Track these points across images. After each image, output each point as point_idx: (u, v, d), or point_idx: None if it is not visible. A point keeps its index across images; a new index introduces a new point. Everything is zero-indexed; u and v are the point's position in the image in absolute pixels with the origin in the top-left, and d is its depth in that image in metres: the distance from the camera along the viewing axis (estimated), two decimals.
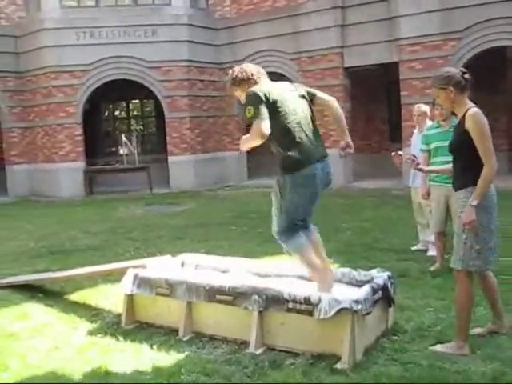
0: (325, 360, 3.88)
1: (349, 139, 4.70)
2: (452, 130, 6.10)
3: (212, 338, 4.44)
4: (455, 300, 4.20)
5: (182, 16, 16.82)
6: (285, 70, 16.67)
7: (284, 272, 5.08)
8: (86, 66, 16.34)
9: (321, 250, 4.61)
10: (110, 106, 21.01)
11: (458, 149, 4.09)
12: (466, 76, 4.11)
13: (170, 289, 4.65)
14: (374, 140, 17.70)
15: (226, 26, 17.74)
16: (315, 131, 4.47)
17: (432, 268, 6.30)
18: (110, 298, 5.63)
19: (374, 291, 4.15)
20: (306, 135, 4.34)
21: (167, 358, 4.11)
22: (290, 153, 4.23)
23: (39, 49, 16.43)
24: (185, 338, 4.48)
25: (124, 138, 17.82)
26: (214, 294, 4.40)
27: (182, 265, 5.52)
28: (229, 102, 17.77)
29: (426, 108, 7.21)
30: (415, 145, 7.16)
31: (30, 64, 16.92)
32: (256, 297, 4.17)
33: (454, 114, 6.16)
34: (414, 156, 5.22)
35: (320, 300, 3.90)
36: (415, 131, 7.45)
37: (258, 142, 4.16)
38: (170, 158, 17.06)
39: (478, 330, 4.28)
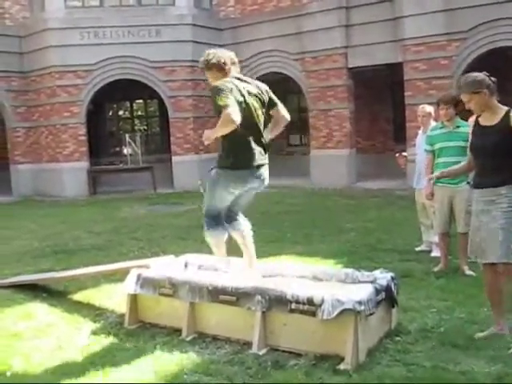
0: (328, 361, 3.87)
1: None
2: (456, 130, 6.13)
3: (215, 339, 4.44)
4: (497, 290, 4.35)
5: (185, 16, 16.83)
6: (289, 71, 16.68)
7: (287, 272, 5.06)
8: (90, 65, 16.37)
9: (249, 246, 4.92)
10: (114, 106, 21.05)
11: (496, 147, 4.17)
12: (493, 79, 4.26)
13: (173, 289, 4.66)
14: (378, 140, 17.69)
15: (229, 27, 17.73)
16: (260, 139, 4.60)
17: (436, 269, 6.29)
18: (114, 298, 5.63)
19: (377, 292, 4.15)
20: (254, 142, 4.51)
21: (170, 358, 4.11)
22: (233, 153, 4.48)
23: (43, 49, 16.45)
24: (188, 338, 4.48)
25: (128, 138, 17.86)
26: (217, 295, 4.41)
27: (186, 265, 5.51)
28: None
29: (430, 109, 7.19)
30: (419, 145, 7.15)
31: (34, 64, 16.96)
32: (259, 297, 4.17)
33: (457, 114, 6.19)
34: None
35: (323, 301, 3.90)
36: (419, 132, 7.44)
37: (227, 130, 4.27)
38: (174, 158, 17.07)
39: (481, 335, 4.26)
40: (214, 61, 4.53)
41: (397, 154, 7.27)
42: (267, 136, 4.68)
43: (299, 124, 19.21)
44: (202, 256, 5.80)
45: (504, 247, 4.15)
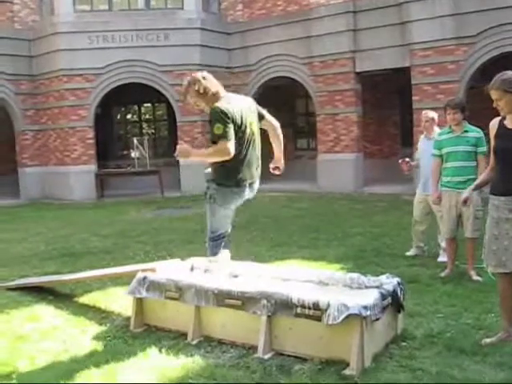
0: (333, 366, 3.86)
1: (281, 163, 5.08)
2: (464, 135, 6.11)
3: (220, 343, 4.44)
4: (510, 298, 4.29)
5: (194, 20, 16.87)
6: (296, 75, 16.69)
7: (293, 276, 5.05)
8: (98, 69, 16.44)
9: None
10: (122, 110, 21.12)
11: None
12: None
13: (179, 292, 4.66)
14: (386, 145, 17.66)
15: (238, 31, 17.77)
16: (256, 154, 4.78)
17: (442, 274, 6.27)
18: (120, 301, 5.63)
19: (384, 297, 4.13)
20: (254, 158, 4.70)
21: (176, 362, 4.11)
22: (234, 172, 4.62)
23: (52, 52, 16.55)
24: (193, 342, 4.47)
25: (136, 142, 17.90)
26: (222, 299, 4.40)
27: (192, 269, 5.51)
28: None
29: (433, 114, 7.20)
30: (424, 151, 7.15)
31: (43, 67, 17.05)
32: (265, 301, 4.16)
33: (464, 119, 6.17)
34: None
35: (329, 305, 3.88)
36: (422, 137, 7.43)
37: (219, 159, 4.47)
38: (182, 162, 17.06)
39: (487, 341, 4.23)
40: (204, 89, 4.65)
41: (400, 160, 7.27)
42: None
43: (307, 128, 19.24)
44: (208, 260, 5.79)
45: None
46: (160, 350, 4.34)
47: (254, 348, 4.20)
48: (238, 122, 4.45)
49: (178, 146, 4.51)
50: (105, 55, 16.36)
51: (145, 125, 21.43)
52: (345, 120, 16.00)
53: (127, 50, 16.48)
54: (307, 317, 3.99)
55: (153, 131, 21.43)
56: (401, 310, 4.42)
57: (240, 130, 4.47)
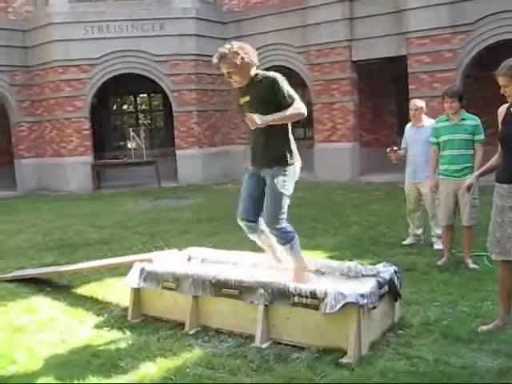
0: (330, 354, 3.88)
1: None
2: (461, 123, 6.10)
3: (218, 332, 4.45)
4: (510, 287, 4.28)
5: (189, 10, 16.80)
6: (293, 64, 16.64)
7: (290, 265, 5.05)
8: (93, 60, 16.37)
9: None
10: (118, 100, 21.03)
11: None
12: None
13: (176, 283, 4.67)
14: (382, 134, 17.64)
15: (233, 20, 17.70)
16: None
17: (439, 262, 6.28)
18: (117, 292, 5.64)
19: (381, 285, 4.15)
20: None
21: (173, 352, 4.12)
22: (289, 147, 4.63)
23: (47, 43, 16.46)
24: (191, 332, 4.49)
25: (132, 132, 17.86)
26: (220, 288, 4.41)
27: (189, 259, 5.52)
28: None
29: (422, 103, 7.23)
30: (413, 140, 7.16)
31: (38, 58, 16.97)
32: (262, 291, 4.17)
33: (462, 108, 6.16)
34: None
35: (326, 294, 3.89)
36: (409, 126, 7.42)
37: (291, 121, 4.50)
38: (178, 152, 17.08)
39: (484, 328, 4.25)
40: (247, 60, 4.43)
41: (388, 149, 7.26)
42: None
43: (303, 117, 19.18)
44: (206, 250, 5.80)
45: None
46: (158, 340, 4.36)
47: (251, 337, 4.22)
48: None
49: (251, 115, 4.19)
50: (100, 45, 16.29)
51: (141, 115, 21.35)
52: (341, 109, 15.98)
53: (122, 41, 16.40)
54: (304, 306, 4.00)
55: (149, 122, 21.37)
56: (398, 298, 4.44)
57: None
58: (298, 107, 4.37)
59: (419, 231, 7.38)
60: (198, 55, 17.00)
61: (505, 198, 4.13)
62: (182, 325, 4.58)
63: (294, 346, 4.08)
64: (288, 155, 4.58)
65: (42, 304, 5.47)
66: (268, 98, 4.36)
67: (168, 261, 5.25)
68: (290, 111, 4.34)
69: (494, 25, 13.12)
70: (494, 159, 4.39)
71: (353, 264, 4.82)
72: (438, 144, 6.33)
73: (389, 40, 14.83)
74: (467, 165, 6.08)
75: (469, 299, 5.00)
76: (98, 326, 4.79)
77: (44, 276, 6.38)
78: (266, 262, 5.00)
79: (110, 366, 3.93)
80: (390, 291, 4.29)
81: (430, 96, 12.49)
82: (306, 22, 16.08)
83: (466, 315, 4.62)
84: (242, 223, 4.76)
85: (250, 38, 17.03)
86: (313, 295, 3.96)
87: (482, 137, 6.10)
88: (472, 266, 6.06)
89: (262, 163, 4.53)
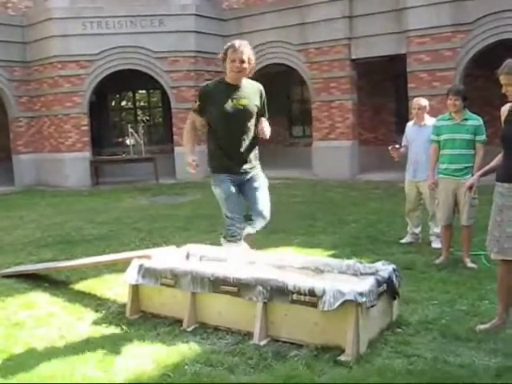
0: (329, 352, 3.88)
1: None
2: (463, 123, 6.09)
3: (216, 329, 4.45)
4: (509, 286, 4.28)
5: (189, 6, 16.76)
6: (292, 62, 16.62)
7: (288, 263, 5.06)
8: (92, 55, 16.34)
9: None
10: (117, 96, 21.00)
11: None
12: None
13: (174, 279, 4.66)
14: (381, 132, 17.64)
15: (233, 17, 17.67)
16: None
17: (437, 261, 6.29)
18: (115, 288, 5.65)
19: (379, 284, 4.15)
20: None
21: (171, 349, 4.12)
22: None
23: (46, 38, 16.42)
24: (189, 329, 4.49)
25: (130, 129, 17.83)
26: (218, 285, 4.41)
27: (187, 256, 5.52)
28: None
29: (425, 102, 7.19)
30: (414, 138, 7.15)
31: (36, 54, 16.93)
32: (260, 288, 4.17)
33: (465, 107, 6.14)
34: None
35: (324, 292, 3.89)
36: (410, 124, 7.41)
37: None
38: (177, 149, 17.03)
39: (482, 327, 4.25)
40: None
41: (390, 147, 7.26)
42: None
43: (302, 115, 19.18)
44: (204, 246, 5.81)
45: None
46: (156, 337, 4.37)
47: (249, 334, 4.22)
48: None
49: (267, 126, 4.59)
50: (99, 41, 16.25)
51: (140, 112, 21.33)
52: (340, 107, 15.96)
53: (122, 36, 16.37)
54: (303, 303, 4.00)
55: (147, 118, 21.35)
56: (396, 296, 4.44)
57: None
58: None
59: (417, 230, 7.39)
60: (198, 52, 16.98)
61: (505, 198, 4.12)
62: (180, 321, 4.58)
63: (292, 344, 4.08)
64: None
65: (40, 300, 5.47)
66: (259, 104, 4.59)
67: (166, 257, 5.24)
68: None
69: (494, 24, 13.10)
70: (497, 159, 4.38)
71: (351, 262, 4.83)
72: (438, 142, 6.32)
73: (388, 38, 14.81)
74: (467, 165, 6.08)
75: (467, 298, 5.01)
76: (96, 322, 4.79)
77: (42, 272, 6.37)
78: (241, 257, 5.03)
79: (108, 363, 3.94)
80: (388, 289, 4.29)
81: (429, 95, 12.45)
82: (305, 20, 16.06)
83: (465, 314, 4.63)
84: (244, 225, 4.75)
85: (250, 36, 17.02)
86: (311, 293, 3.96)
87: (483, 137, 6.09)
88: (470, 264, 6.07)
89: (248, 165, 4.71)
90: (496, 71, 4.09)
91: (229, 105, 4.50)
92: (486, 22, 13.19)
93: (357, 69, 15.94)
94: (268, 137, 4.55)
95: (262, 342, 4.13)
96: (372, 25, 14.96)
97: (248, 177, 4.72)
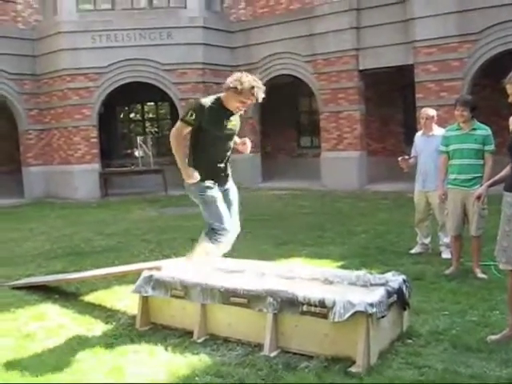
0: (339, 363, 3.87)
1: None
2: (471, 133, 6.09)
3: (226, 340, 4.45)
4: None
5: (197, 19, 16.87)
6: (300, 73, 16.68)
7: (297, 274, 5.06)
8: (101, 68, 16.46)
9: None
10: (126, 109, 21.13)
11: None
12: None
13: (184, 291, 4.67)
14: (389, 143, 17.64)
15: (240, 29, 17.77)
16: None
17: (447, 271, 6.26)
18: (125, 300, 5.65)
19: (389, 294, 4.14)
20: None
21: (182, 360, 4.12)
22: None
23: (55, 52, 16.58)
24: (199, 340, 4.49)
25: (139, 141, 17.92)
26: (228, 297, 4.41)
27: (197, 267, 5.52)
28: None
29: (433, 112, 7.20)
30: (422, 148, 7.16)
31: (46, 67, 17.08)
32: (271, 299, 4.17)
33: (473, 117, 6.14)
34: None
35: (334, 303, 3.89)
36: (419, 134, 7.42)
37: None
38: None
39: (493, 338, 4.23)
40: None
41: (399, 158, 7.27)
42: None
43: (310, 126, 19.21)
44: (213, 258, 5.80)
45: None
46: (166, 349, 4.36)
47: (259, 346, 4.22)
48: None
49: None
50: (108, 54, 16.38)
51: (148, 123, 21.44)
52: (348, 118, 15.99)
53: (130, 49, 16.50)
54: (313, 314, 4.00)
55: (156, 130, 21.44)
56: (406, 307, 4.43)
57: None
58: None
59: (427, 240, 7.37)
60: (206, 64, 17.07)
61: None
62: (190, 333, 4.59)
63: (302, 355, 4.07)
64: None
65: (51, 311, 5.49)
66: (239, 124, 5.03)
67: (176, 269, 5.25)
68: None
69: (500, 34, 13.12)
70: (507, 169, 4.37)
71: (361, 273, 4.82)
72: (447, 153, 6.32)
73: (396, 49, 14.85)
74: (476, 175, 6.07)
75: (478, 308, 4.99)
76: (106, 334, 4.80)
77: (52, 283, 6.40)
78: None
79: (119, 374, 3.94)
80: (398, 300, 4.28)
81: (437, 105, 12.46)
82: (313, 31, 16.13)
83: (475, 324, 4.61)
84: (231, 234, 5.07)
85: (257, 47, 17.18)
86: (321, 304, 3.96)
87: (492, 147, 6.08)
88: (480, 275, 6.04)
89: (228, 177, 5.10)
90: (502, 81, 4.10)
91: (224, 128, 4.79)
92: (493, 31, 13.20)
93: (365, 79, 15.98)
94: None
95: (273, 354, 4.12)
96: (380, 35, 15.01)
97: (226, 187, 5.06)
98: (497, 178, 4.47)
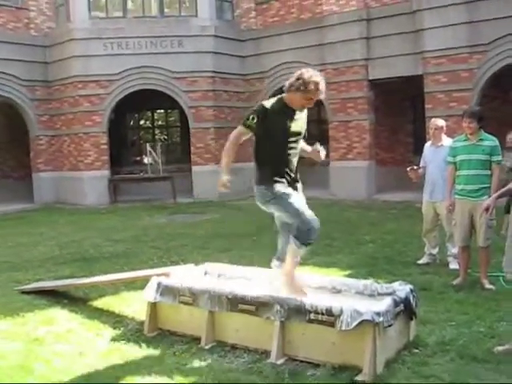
0: (345, 371, 3.89)
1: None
2: (478, 143, 6.11)
3: (234, 347, 4.48)
4: None
5: (208, 27, 16.96)
6: None
7: (305, 283, 5.07)
8: (112, 75, 16.56)
9: None
10: (136, 116, 21.23)
11: None
12: None
13: (192, 297, 4.70)
14: (398, 152, 17.61)
15: (251, 38, 17.85)
16: None
17: (455, 282, 6.26)
18: (133, 306, 5.69)
19: (396, 304, 4.15)
20: None
21: (189, 366, 4.15)
22: None
23: (67, 59, 16.69)
24: (207, 347, 4.52)
25: (149, 148, 17.99)
26: (236, 304, 4.44)
27: (205, 274, 5.56)
28: None
29: (442, 123, 7.22)
30: (431, 158, 7.17)
31: (57, 73, 17.21)
32: (278, 307, 4.20)
33: (481, 128, 6.15)
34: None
35: (342, 311, 3.91)
36: (428, 144, 7.44)
37: None
38: (194, 168, 17.16)
39: (500, 348, 4.23)
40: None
41: (408, 168, 7.29)
42: None
43: (319, 135, 19.22)
44: (222, 265, 5.84)
45: None
46: (174, 354, 4.40)
47: (266, 353, 4.24)
48: None
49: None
50: (119, 62, 16.49)
51: (158, 131, 21.52)
52: (357, 127, 16.00)
53: (141, 57, 16.60)
54: (320, 322, 4.02)
55: (165, 137, 21.53)
56: (413, 317, 4.44)
57: None
58: None
59: (435, 251, 7.37)
60: (216, 72, 17.15)
61: None
62: (197, 339, 4.62)
63: (309, 363, 4.09)
64: None
65: (59, 316, 5.53)
66: (305, 127, 4.80)
67: (184, 275, 5.29)
68: None
69: (510, 45, 13.09)
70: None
71: (369, 282, 4.84)
72: (455, 163, 6.33)
73: (405, 59, 14.86)
74: (483, 185, 6.08)
75: (485, 319, 4.99)
76: (114, 339, 4.83)
77: (61, 288, 6.44)
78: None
79: (126, 379, 3.97)
80: (405, 310, 4.30)
81: (446, 115, 12.45)
82: (323, 41, 16.18)
83: (482, 335, 4.61)
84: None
85: (268, 56, 17.24)
86: (329, 312, 3.98)
87: (499, 157, 6.10)
88: (488, 286, 6.04)
89: (297, 181, 4.79)
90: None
91: (289, 128, 4.54)
92: (503, 43, 13.18)
93: (374, 89, 15.99)
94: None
95: (279, 361, 4.14)
96: (389, 46, 15.04)
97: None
98: (505, 189, 4.48)
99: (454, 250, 6.92)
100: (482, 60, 13.54)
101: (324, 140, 17.61)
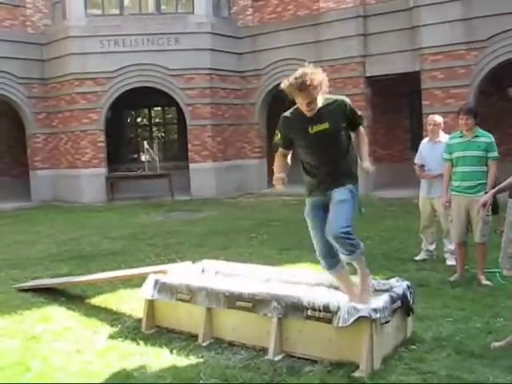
0: (343, 368, 3.89)
1: None
2: (474, 140, 6.12)
3: (231, 344, 4.48)
4: None
5: (204, 24, 16.95)
6: None
7: (303, 279, 5.09)
8: (109, 73, 16.54)
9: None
10: (133, 113, 21.21)
11: None
12: None
13: (190, 295, 4.70)
14: (395, 149, 17.64)
15: (248, 35, 17.83)
16: None
17: (452, 278, 6.28)
18: (131, 303, 5.69)
19: (393, 300, 4.16)
20: None
21: (186, 363, 4.15)
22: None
23: (64, 56, 16.67)
24: (204, 344, 4.52)
25: (146, 145, 17.98)
26: (233, 301, 4.44)
27: (203, 271, 5.57)
28: (250, 110, 17.89)
29: (440, 119, 7.23)
30: (428, 154, 7.18)
31: (54, 71, 17.18)
32: (275, 304, 4.20)
33: (476, 124, 6.17)
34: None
35: (339, 308, 3.92)
36: (425, 141, 7.45)
37: None
38: (191, 166, 17.16)
39: (496, 344, 4.24)
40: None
41: (416, 166, 7.31)
42: None
43: None
44: (219, 262, 5.84)
45: None
46: (171, 352, 4.40)
47: (264, 350, 4.24)
48: None
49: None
50: (116, 59, 16.47)
51: (155, 128, 21.51)
52: None
53: (138, 54, 16.57)
54: (317, 319, 4.03)
55: (162, 135, 21.52)
56: (410, 313, 4.45)
57: None
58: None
59: (432, 247, 7.39)
60: (213, 69, 17.13)
61: None
62: (195, 336, 4.62)
63: (306, 359, 4.10)
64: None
65: (57, 313, 5.53)
66: (344, 120, 4.60)
67: (182, 273, 5.29)
68: (365, 138, 5.03)
69: (507, 41, 13.11)
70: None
71: None
72: (451, 160, 6.34)
73: (402, 56, 14.87)
74: (480, 182, 6.09)
75: (482, 315, 5.00)
76: (111, 337, 4.83)
77: (58, 286, 6.44)
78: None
79: (124, 377, 3.98)
80: (402, 306, 4.30)
81: (443, 112, 12.46)
82: (320, 38, 16.18)
83: (479, 331, 4.62)
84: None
85: (265, 53, 17.24)
86: (326, 309, 3.99)
87: (495, 154, 6.10)
88: (485, 282, 6.05)
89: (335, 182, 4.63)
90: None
91: (308, 133, 4.30)
92: (500, 39, 13.20)
93: (371, 86, 16.00)
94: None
95: (277, 358, 4.15)
96: (386, 42, 15.04)
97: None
98: (502, 185, 4.48)
99: (451, 246, 6.93)
100: (479, 56, 13.55)
101: None
